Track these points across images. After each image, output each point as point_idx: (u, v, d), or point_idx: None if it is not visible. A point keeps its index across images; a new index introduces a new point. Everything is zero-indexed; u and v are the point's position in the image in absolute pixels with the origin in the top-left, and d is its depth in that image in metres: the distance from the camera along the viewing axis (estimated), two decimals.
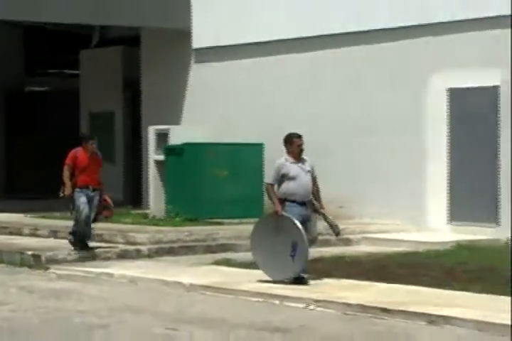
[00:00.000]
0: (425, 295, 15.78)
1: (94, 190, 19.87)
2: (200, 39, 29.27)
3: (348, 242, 23.12)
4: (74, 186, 19.66)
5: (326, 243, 22.52)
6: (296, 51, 26.91)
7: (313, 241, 17.14)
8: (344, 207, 25.17)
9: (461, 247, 21.79)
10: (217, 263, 19.98)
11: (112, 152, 33.75)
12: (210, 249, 21.89)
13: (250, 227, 23.87)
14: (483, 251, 21.18)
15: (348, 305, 15.00)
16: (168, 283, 17.73)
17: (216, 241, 22.63)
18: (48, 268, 19.60)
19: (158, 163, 27.54)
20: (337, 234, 17.50)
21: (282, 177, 16.66)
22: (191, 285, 17.34)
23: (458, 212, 23.82)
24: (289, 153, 16.98)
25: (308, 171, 16.88)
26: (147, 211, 27.58)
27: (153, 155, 27.91)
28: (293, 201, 16.64)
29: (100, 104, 34.18)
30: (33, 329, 13.52)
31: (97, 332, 13.40)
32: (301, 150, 17.01)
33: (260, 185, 26.17)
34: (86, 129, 34.82)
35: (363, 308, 14.72)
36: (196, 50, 29.48)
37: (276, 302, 15.69)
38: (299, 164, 16.82)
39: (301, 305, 15.31)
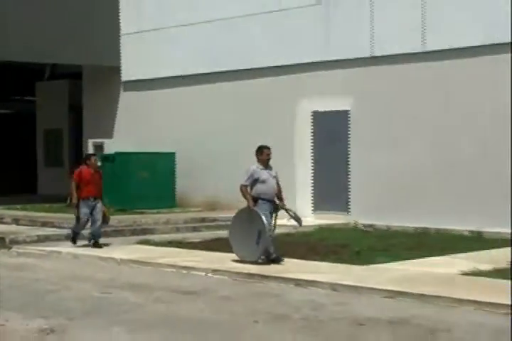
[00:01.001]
0: (295, 264, 15.98)
1: (95, 199, 19.10)
2: (127, 74, 29.18)
3: None
4: (79, 196, 18.93)
5: (221, 227, 22.73)
6: (197, 84, 26.98)
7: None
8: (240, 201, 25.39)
9: (321, 229, 22.00)
10: (140, 243, 19.98)
11: (61, 159, 33.71)
12: (135, 232, 21.73)
13: (165, 215, 24.15)
14: (338, 232, 21.42)
15: (238, 273, 15.15)
16: (103, 258, 17.70)
17: (140, 226, 22.49)
18: (10, 248, 19.41)
19: None
20: (300, 223, 17.16)
21: (255, 181, 16.33)
22: (121, 259, 17.36)
23: (319, 204, 24.02)
24: (259, 160, 16.61)
25: (274, 176, 16.62)
26: None
27: None
28: (263, 199, 16.32)
29: (52, 123, 33.96)
30: None
31: (50, 294, 13.49)
32: (269, 159, 16.69)
33: (173, 184, 26.43)
34: (41, 142, 34.78)
35: (249, 275, 14.91)
36: (124, 82, 29.41)
37: (185, 271, 15.81)
38: (267, 170, 16.49)
39: (202, 274, 15.48)
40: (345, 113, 23.63)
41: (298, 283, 14.14)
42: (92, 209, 18.95)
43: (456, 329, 10.62)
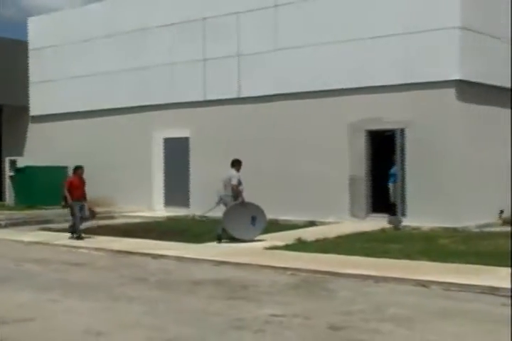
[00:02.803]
0: (152, 243, 15.93)
1: (82, 200, 17.56)
2: (34, 111, 28.70)
3: (112, 218, 22.78)
4: (71, 198, 17.42)
5: (102, 218, 22.48)
6: (84, 118, 26.72)
7: None
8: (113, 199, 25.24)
9: (170, 219, 22.08)
10: (43, 229, 19.66)
11: None
12: (39, 222, 21.29)
13: (59, 210, 23.35)
14: (181, 221, 21.50)
15: (112, 250, 15.07)
16: (16, 241, 17.34)
17: (43, 218, 22.02)
18: None
19: (10, 176, 26.89)
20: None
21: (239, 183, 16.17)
22: (28, 242, 17.05)
23: (168, 201, 24.08)
24: (234, 168, 16.30)
25: None
26: (5, 202, 26.86)
27: (8, 173, 27.26)
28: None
29: None
30: None
31: None
32: (240, 168, 16.45)
33: (63, 188, 25.98)
34: None
35: (119, 252, 14.84)
36: (32, 116, 28.87)
37: (74, 250, 15.65)
38: (241, 176, 16.34)
39: (86, 251, 15.36)
40: (186, 139, 23.73)
41: (153, 256, 14.17)
42: (80, 208, 17.56)
43: (260, 284, 10.89)
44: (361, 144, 19.76)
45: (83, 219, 17.62)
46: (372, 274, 11.14)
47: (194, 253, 14.22)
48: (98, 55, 26.30)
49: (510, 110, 20.23)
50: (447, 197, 18.03)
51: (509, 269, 11.13)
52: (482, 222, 18.13)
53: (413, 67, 18.63)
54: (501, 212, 18.91)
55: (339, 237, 16.29)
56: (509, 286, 9.88)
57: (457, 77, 18.01)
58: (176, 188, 23.88)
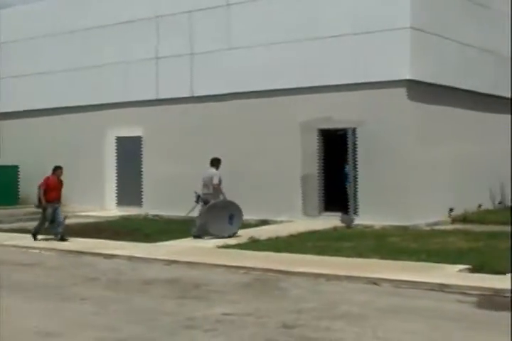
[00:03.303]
0: (103, 243, 15.69)
1: (57, 202, 16.65)
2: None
3: (65, 218, 21.98)
4: (46, 200, 16.47)
5: None
6: (43, 115, 26.34)
7: None
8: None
9: (122, 219, 21.71)
10: None
11: None
12: None
13: (10, 210, 23.29)
14: (133, 220, 21.18)
15: (63, 250, 14.86)
16: None
17: None
18: None
19: None
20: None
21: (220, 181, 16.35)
22: None
23: (121, 200, 23.75)
24: (214, 167, 16.47)
25: None
26: None
27: None
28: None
29: None
30: None
31: None
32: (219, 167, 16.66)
33: (16, 187, 25.62)
34: None
35: (69, 252, 14.66)
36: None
37: (24, 250, 15.40)
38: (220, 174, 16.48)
39: (37, 251, 15.16)
40: (139, 138, 23.50)
41: (105, 256, 14.04)
42: (55, 210, 16.61)
43: (212, 283, 10.87)
44: (313, 143, 19.84)
45: (58, 223, 16.59)
46: (324, 272, 11.19)
47: (145, 252, 14.12)
48: (51, 53, 25.90)
49: (463, 110, 20.64)
50: (398, 195, 18.20)
51: (458, 266, 11.29)
52: (432, 220, 18.36)
53: (365, 66, 18.77)
54: (451, 210, 19.15)
55: (291, 236, 16.29)
56: (457, 283, 10.01)
57: (408, 77, 18.20)
58: (129, 187, 23.67)
